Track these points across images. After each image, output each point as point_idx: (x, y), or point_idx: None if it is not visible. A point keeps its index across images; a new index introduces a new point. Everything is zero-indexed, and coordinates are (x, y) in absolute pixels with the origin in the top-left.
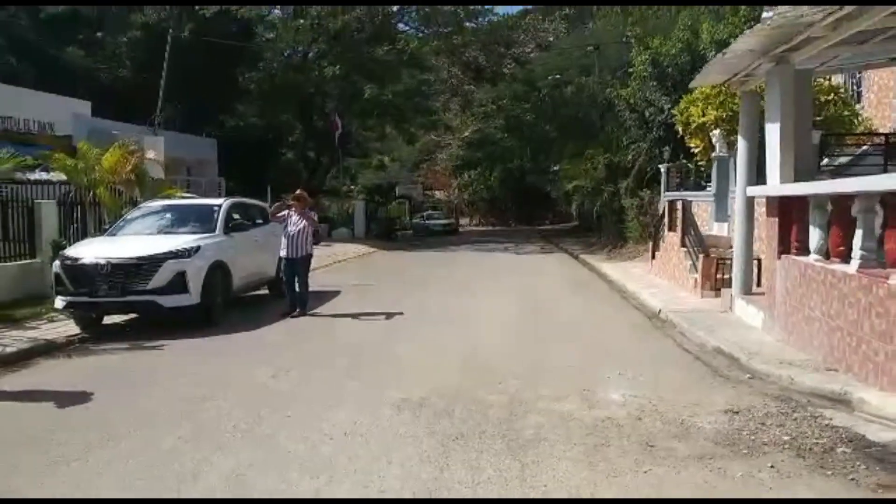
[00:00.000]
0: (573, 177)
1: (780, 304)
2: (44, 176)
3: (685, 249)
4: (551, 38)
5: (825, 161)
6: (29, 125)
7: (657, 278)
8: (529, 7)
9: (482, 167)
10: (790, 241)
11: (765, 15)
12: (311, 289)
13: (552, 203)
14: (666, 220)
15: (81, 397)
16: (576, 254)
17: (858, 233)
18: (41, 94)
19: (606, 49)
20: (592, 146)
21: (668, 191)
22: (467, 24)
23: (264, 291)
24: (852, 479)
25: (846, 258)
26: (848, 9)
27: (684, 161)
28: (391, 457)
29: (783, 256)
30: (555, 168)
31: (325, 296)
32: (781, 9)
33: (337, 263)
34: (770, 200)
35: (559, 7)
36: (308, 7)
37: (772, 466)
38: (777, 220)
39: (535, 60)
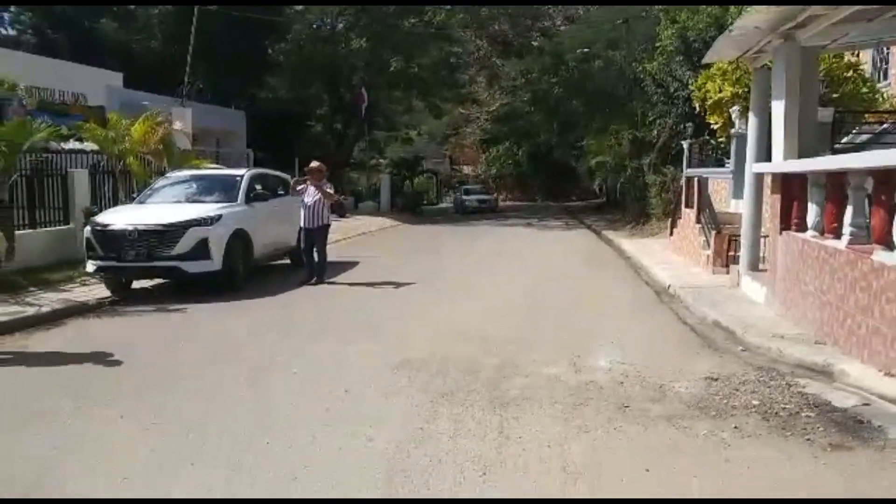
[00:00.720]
0: (597, 152)
1: (781, 279)
2: (77, 146)
3: (700, 226)
4: (581, 11)
5: (847, 139)
6: (64, 96)
7: (673, 255)
8: None
9: (510, 142)
10: (791, 217)
11: None
12: (330, 259)
13: (579, 179)
14: (683, 196)
15: (107, 353)
16: (599, 230)
17: (849, 209)
18: (75, 66)
19: (636, 23)
20: (618, 121)
21: (689, 167)
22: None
23: (287, 261)
24: (808, 440)
25: (838, 234)
26: None
27: (707, 137)
28: (383, 410)
29: (784, 233)
30: (581, 144)
31: (344, 266)
32: None
33: (360, 236)
34: (773, 177)
35: None
36: None
37: (735, 427)
38: (780, 196)
39: (563, 33)
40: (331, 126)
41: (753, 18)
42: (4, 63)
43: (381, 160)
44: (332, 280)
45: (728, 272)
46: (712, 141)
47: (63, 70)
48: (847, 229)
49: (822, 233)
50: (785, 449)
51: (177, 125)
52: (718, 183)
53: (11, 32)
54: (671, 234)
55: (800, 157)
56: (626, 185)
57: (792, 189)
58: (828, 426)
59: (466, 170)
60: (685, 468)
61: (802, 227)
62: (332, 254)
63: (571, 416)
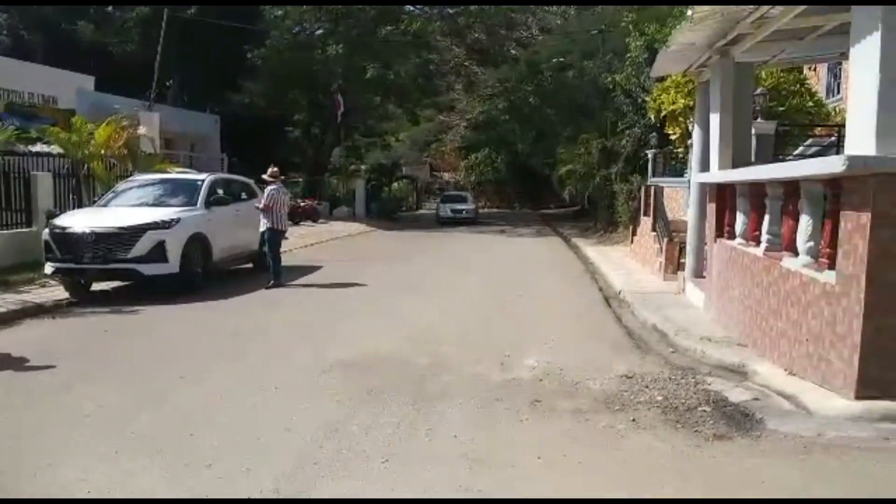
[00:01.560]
0: (568, 161)
1: (715, 285)
2: (44, 149)
3: (655, 234)
4: (559, 21)
5: (798, 150)
6: (34, 98)
7: (632, 261)
8: None
9: (489, 149)
10: (724, 225)
11: (688, 13)
12: (295, 263)
13: (556, 187)
14: (642, 205)
15: (55, 350)
16: (569, 238)
17: (766, 218)
18: (45, 68)
19: (610, 34)
20: (589, 131)
21: (654, 176)
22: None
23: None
24: (696, 431)
25: (759, 242)
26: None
27: (669, 147)
28: (310, 404)
29: (718, 240)
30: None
31: (306, 270)
32: (697, 8)
33: (331, 241)
34: (710, 187)
35: None
36: None
37: (633, 420)
38: (715, 206)
39: (539, 43)
40: (308, 132)
41: (687, 35)
42: None
43: (362, 166)
44: (290, 283)
45: (677, 278)
46: (677, 151)
47: (33, 72)
48: (765, 237)
49: (748, 241)
50: (672, 439)
51: (142, 129)
52: (677, 192)
53: None
54: (632, 241)
55: (734, 167)
56: (595, 194)
57: (725, 198)
58: (718, 419)
59: (447, 176)
60: (574, 455)
61: (733, 235)
62: (300, 257)
63: (484, 410)
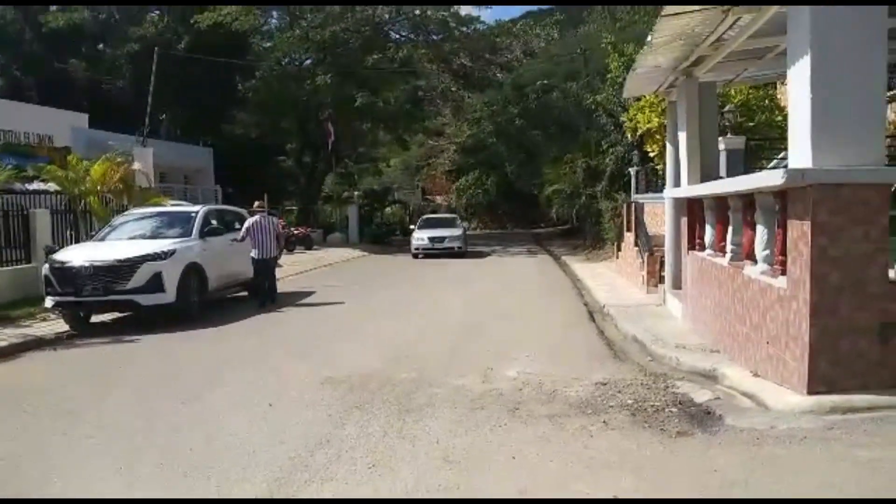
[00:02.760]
0: (554, 181)
1: (689, 295)
2: (41, 186)
3: (637, 249)
4: (542, 44)
5: (772, 164)
6: (29, 137)
7: (617, 276)
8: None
9: (478, 171)
10: (695, 238)
11: (649, 38)
12: (288, 289)
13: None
14: (625, 221)
15: (59, 380)
16: (558, 255)
17: (730, 229)
18: (40, 108)
19: (593, 55)
20: (574, 150)
21: (637, 193)
22: (457, 31)
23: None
24: (662, 430)
25: (725, 252)
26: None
27: (650, 165)
28: (302, 418)
29: (690, 252)
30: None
31: (299, 295)
32: (655, 35)
33: (323, 267)
34: (681, 202)
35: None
36: (299, 18)
37: (604, 422)
38: (686, 219)
39: (523, 66)
40: (300, 160)
41: (651, 59)
42: None
43: (355, 192)
44: (282, 308)
45: (658, 291)
46: (657, 168)
47: (29, 112)
48: (729, 247)
49: (716, 251)
50: (639, 437)
51: (136, 165)
52: (658, 207)
53: None
54: (617, 257)
55: (702, 182)
56: (581, 212)
57: (695, 212)
58: (682, 418)
59: (439, 199)
60: (546, 454)
61: (703, 247)
62: (293, 284)
63: (466, 418)
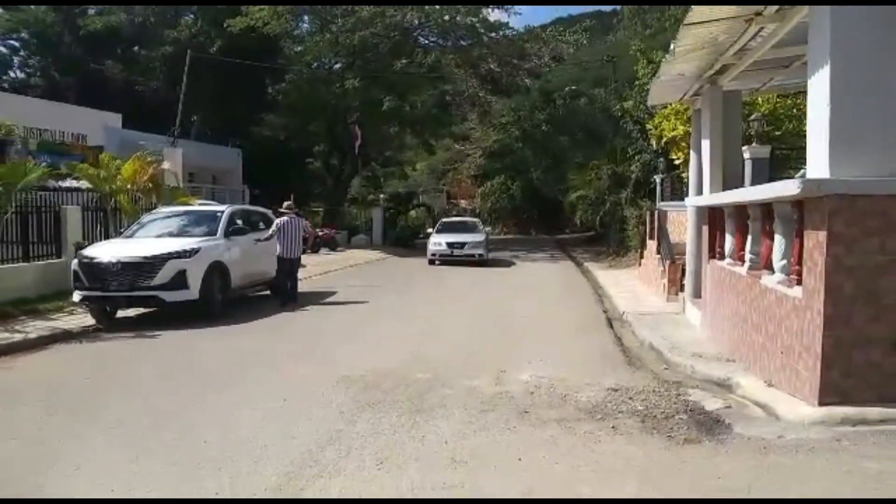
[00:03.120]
0: (579, 187)
1: (708, 304)
2: (74, 184)
3: (659, 256)
4: (572, 50)
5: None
6: (65, 136)
7: (639, 284)
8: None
9: (504, 177)
10: (715, 247)
11: (671, 46)
12: (311, 289)
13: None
14: (647, 229)
15: (84, 370)
16: (581, 262)
17: (749, 238)
18: (75, 108)
19: (621, 61)
20: (600, 157)
21: (662, 201)
22: (486, 37)
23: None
24: (669, 436)
25: (744, 261)
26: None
27: (676, 172)
28: (315, 415)
29: (710, 261)
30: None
31: (322, 295)
32: (678, 44)
33: (347, 268)
34: (702, 210)
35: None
36: (329, 23)
37: (613, 427)
38: (707, 228)
39: (551, 72)
40: (328, 163)
41: (675, 67)
42: (10, 107)
43: (381, 195)
44: (304, 307)
45: (678, 299)
46: (682, 176)
47: (64, 112)
48: (748, 256)
49: (735, 261)
50: (646, 443)
51: (166, 165)
52: (681, 215)
53: (21, 76)
54: (640, 264)
55: (724, 191)
56: (605, 219)
57: (716, 221)
58: (691, 426)
59: (463, 203)
60: (553, 457)
61: (723, 256)
62: (316, 284)
63: (476, 419)
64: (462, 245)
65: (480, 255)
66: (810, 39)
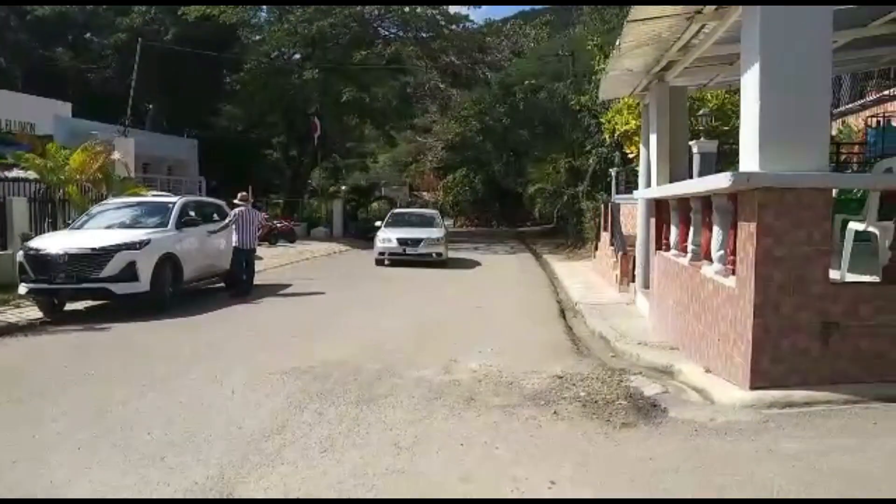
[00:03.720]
0: (537, 180)
1: (656, 294)
2: (20, 174)
3: (612, 248)
4: (532, 44)
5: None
6: (11, 125)
7: (594, 275)
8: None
9: (466, 169)
10: (662, 238)
11: (617, 42)
12: (266, 282)
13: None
14: (602, 221)
15: (30, 363)
16: (540, 253)
17: (692, 230)
18: (23, 96)
19: (580, 56)
20: (558, 150)
21: (617, 194)
22: (446, 29)
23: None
24: (608, 421)
25: (687, 252)
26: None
27: (632, 166)
28: (260, 407)
29: (657, 252)
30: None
31: (275, 287)
32: (624, 40)
33: (304, 261)
34: (650, 203)
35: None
36: (287, 12)
37: (555, 412)
38: (654, 220)
39: (511, 65)
40: (287, 154)
41: (623, 62)
42: None
43: (342, 187)
44: (257, 299)
45: (630, 290)
46: (637, 169)
47: (11, 100)
48: (690, 247)
49: (679, 252)
50: (585, 427)
51: (116, 155)
52: (634, 208)
53: None
54: (594, 256)
55: (671, 183)
56: (563, 211)
57: (662, 213)
58: (630, 410)
59: (426, 196)
60: (494, 442)
61: (669, 247)
62: (271, 276)
63: (422, 407)
64: (416, 242)
65: (439, 254)
66: (743, 38)
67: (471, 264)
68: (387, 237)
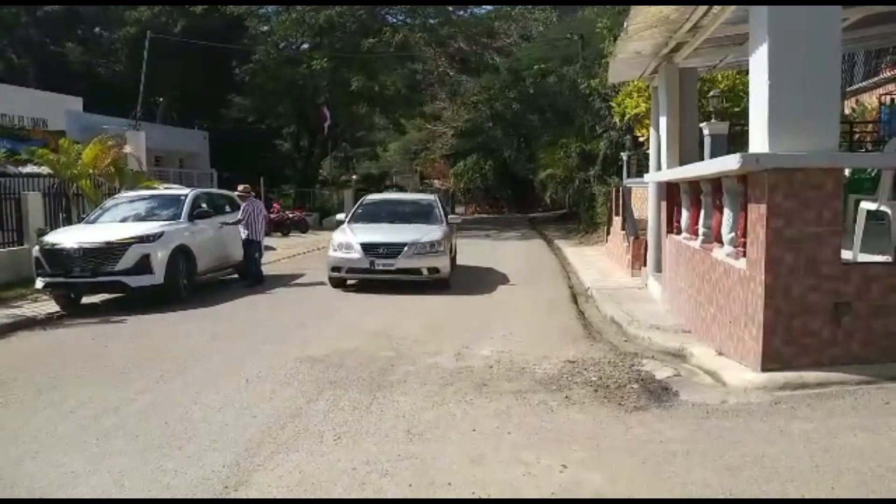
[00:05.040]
0: (548, 165)
1: (667, 278)
2: (35, 170)
3: (624, 232)
4: (541, 28)
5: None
6: (24, 121)
7: (606, 260)
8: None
9: (476, 156)
10: (673, 222)
11: (625, 24)
12: (277, 272)
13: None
14: (613, 205)
15: (47, 356)
16: (552, 240)
17: (702, 213)
18: (35, 92)
19: (590, 39)
20: (568, 134)
21: (628, 178)
22: (454, 15)
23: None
24: (620, 405)
25: (698, 235)
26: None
27: (643, 150)
28: (277, 393)
29: (668, 236)
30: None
31: (288, 277)
32: (632, 23)
33: (315, 251)
34: (661, 186)
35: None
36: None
37: (566, 397)
38: (665, 203)
39: (520, 51)
40: (298, 144)
41: (631, 45)
42: None
43: (353, 176)
44: (270, 290)
45: (642, 274)
46: (649, 153)
47: (23, 96)
48: (701, 230)
49: (690, 234)
50: (597, 412)
51: (128, 148)
52: (646, 191)
53: None
54: (606, 241)
55: (681, 166)
56: (574, 197)
57: (673, 196)
58: (641, 394)
59: (437, 183)
60: (505, 427)
61: (679, 231)
62: (284, 266)
63: (433, 393)
64: (394, 251)
65: (434, 269)
66: (751, 18)
67: (484, 253)
68: (345, 242)
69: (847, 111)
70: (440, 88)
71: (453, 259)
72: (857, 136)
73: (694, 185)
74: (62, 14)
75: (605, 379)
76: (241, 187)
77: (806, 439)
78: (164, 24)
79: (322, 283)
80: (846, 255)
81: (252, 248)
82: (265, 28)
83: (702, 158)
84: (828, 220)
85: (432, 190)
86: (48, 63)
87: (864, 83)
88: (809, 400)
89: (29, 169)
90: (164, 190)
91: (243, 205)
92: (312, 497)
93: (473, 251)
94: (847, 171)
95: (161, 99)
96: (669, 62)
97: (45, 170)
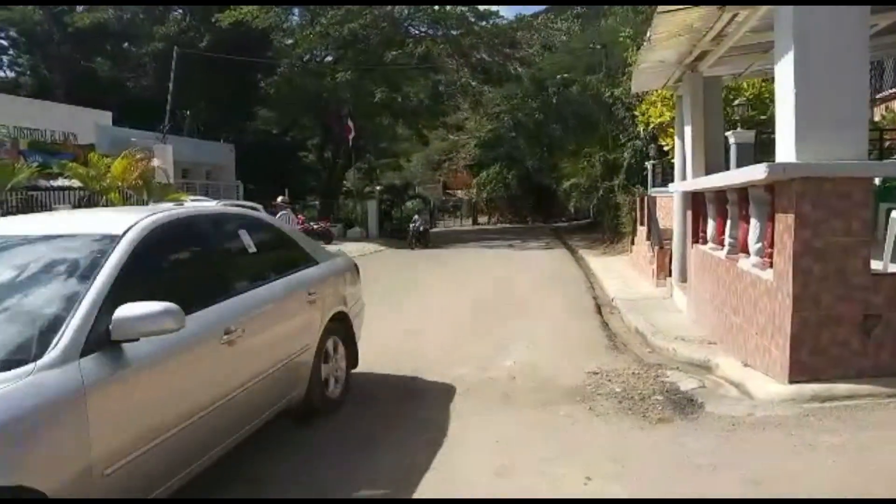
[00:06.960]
0: (572, 174)
1: (693, 288)
2: (65, 183)
3: (649, 242)
4: (564, 37)
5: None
6: (55, 135)
7: (630, 270)
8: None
9: (499, 166)
10: (699, 231)
11: (648, 33)
12: None
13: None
14: (638, 215)
15: None
16: (576, 249)
17: (728, 223)
18: (65, 107)
19: (613, 48)
20: (592, 144)
21: (653, 187)
22: (476, 26)
23: None
24: (644, 416)
25: (724, 245)
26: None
27: (668, 159)
28: None
29: (694, 246)
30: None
31: None
32: (655, 32)
33: None
34: (686, 196)
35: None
36: (319, 15)
37: (590, 409)
38: (691, 213)
39: (542, 60)
40: (322, 156)
41: (655, 54)
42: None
43: (376, 187)
44: None
45: (667, 284)
46: (673, 162)
47: (54, 111)
48: (727, 240)
49: (716, 245)
50: (620, 423)
51: (155, 161)
52: (671, 201)
53: (10, 74)
54: (631, 251)
55: (707, 175)
56: (598, 206)
57: (698, 206)
58: (666, 405)
59: (460, 193)
60: (528, 439)
61: (705, 241)
62: None
63: (457, 405)
64: None
65: None
66: (776, 26)
67: (507, 263)
68: None
69: (877, 118)
70: (462, 99)
71: None
72: (887, 143)
73: (720, 194)
74: (92, 29)
75: (630, 390)
76: (280, 198)
77: (835, 453)
78: (190, 40)
79: None
80: (876, 265)
81: None
82: (290, 41)
83: (727, 167)
84: (857, 229)
85: (455, 201)
86: (78, 78)
87: (894, 90)
88: (838, 413)
89: (60, 182)
90: (192, 201)
91: (281, 212)
92: None
93: (497, 261)
94: (877, 180)
95: (188, 112)
96: (694, 71)
97: (75, 183)
